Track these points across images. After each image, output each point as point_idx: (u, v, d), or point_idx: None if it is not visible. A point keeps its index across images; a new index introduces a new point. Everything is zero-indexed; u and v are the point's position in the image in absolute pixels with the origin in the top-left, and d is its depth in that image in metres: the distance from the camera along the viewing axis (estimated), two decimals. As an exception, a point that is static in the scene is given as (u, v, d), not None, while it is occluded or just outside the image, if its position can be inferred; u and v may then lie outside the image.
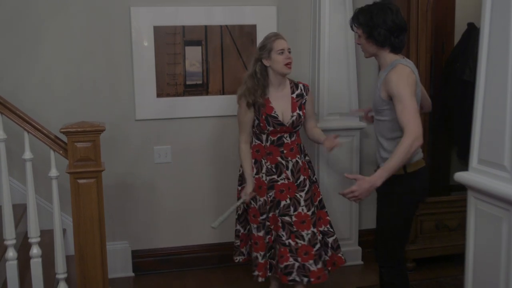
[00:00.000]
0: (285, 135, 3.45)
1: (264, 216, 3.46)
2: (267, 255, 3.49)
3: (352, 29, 3.12)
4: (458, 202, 3.90)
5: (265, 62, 3.39)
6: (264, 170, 3.46)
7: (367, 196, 2.85)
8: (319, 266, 3.40)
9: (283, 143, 3.45)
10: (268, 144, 3.45)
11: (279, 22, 4.17)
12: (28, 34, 3.82)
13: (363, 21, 2.97)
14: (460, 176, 2.53)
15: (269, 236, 3.48)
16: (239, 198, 3.52)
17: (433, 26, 3.98)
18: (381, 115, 2.98)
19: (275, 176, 3.44)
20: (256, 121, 3.43)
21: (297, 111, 3.45)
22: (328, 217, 3.60)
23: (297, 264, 3.37)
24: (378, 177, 2.80)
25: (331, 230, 3.59)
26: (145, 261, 4.22)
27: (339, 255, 3.59)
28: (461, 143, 4.32)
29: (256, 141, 3.50)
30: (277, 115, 3.40)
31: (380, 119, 3.00)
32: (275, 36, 3.41)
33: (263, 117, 3.39)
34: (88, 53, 3.93)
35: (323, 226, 3.56)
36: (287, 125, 3.42)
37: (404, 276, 3.14)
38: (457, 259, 3.43)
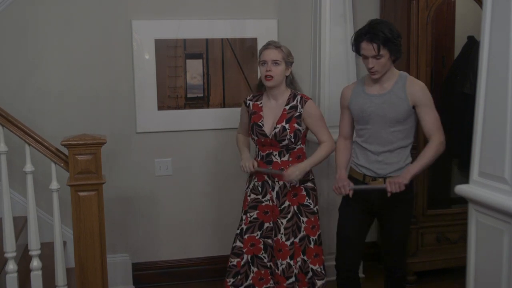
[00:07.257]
0: (274, 153, 3.26)
1: (254, 214, 3.34)
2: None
3: (368, 54, 2.86)
4: (459, 215, 3.90)
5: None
6: (251, 186, 3.36)
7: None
8: None
9: (271, 161, 3.27)
10: (258, 159, 3.33)
11: (279, 36, 4.18)
12: (29, 46, 3.84)
13: (392, 37, 2.82)
14: (461, 189, 2.53)
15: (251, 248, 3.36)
16: (244, 211, 3.36)
17: (433, 40, 4.00)
18: (403, 124, 2.98)
19: (259, 197, 3.32)
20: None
21: (283, 123, 3.23)
22: (323, 257, 3.36)
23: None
24: (406, 176, 2.89)
25: (323, 272, 3.33)
26: (146, 274, 4.20)
27: None
28: (461, 156, 4.31)
29: None
30: (262, 124, 3.28)
31: (400, 129, 2.98)
32: (264, 46, 3.30)
33: (250, 124, 3.33)
34: (89, 65, 3.94)
35: (317, 265, 3.31)
36: (270, 137, 3.23)
37: None
38: (458, 272, 3.41)
